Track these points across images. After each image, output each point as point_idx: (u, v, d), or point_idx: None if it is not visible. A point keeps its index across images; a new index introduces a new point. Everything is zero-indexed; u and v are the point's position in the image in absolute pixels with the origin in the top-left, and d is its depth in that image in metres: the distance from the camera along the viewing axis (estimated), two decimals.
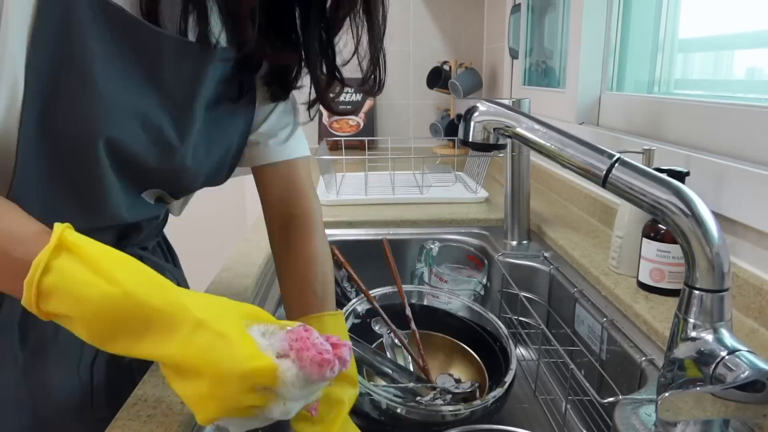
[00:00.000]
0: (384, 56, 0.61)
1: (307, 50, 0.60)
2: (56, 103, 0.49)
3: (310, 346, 0.41)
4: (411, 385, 0.72)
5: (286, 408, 0.42)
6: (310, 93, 0.64)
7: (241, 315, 0.43)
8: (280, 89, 0.67)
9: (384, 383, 0.72)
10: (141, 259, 0.70)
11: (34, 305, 0.41)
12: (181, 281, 0.77)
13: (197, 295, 0.43)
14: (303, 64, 0.63)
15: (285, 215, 0.71)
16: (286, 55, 0.61)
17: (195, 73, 0.57)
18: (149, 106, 0.55)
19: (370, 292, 0.85)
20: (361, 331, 0.79)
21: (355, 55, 0.59)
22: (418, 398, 0.69)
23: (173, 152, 0.60)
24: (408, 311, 0.80)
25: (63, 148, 0.52)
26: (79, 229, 0.55)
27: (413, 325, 0.79)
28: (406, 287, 0.86)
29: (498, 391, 0.64)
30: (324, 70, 0.61)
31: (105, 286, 0.40)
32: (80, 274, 0.41)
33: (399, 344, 0.78)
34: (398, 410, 0.63)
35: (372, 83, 0.62)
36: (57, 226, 0.42)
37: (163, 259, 0.78)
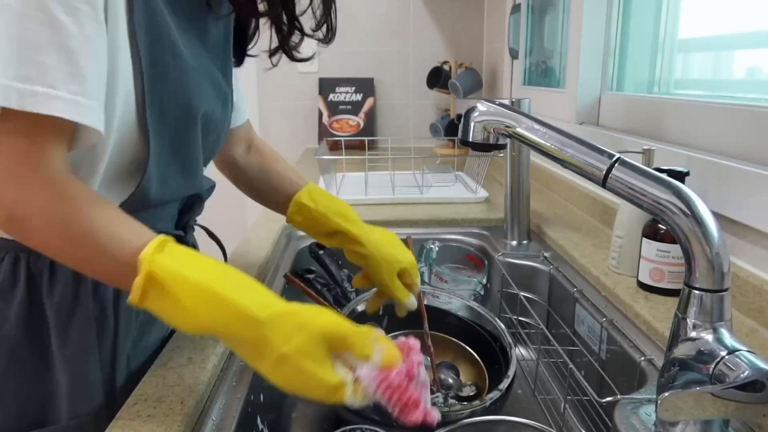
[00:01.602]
0: (335, 4, 0.68)
1: (271, 3, 0.64)
2: (155, 80, 0.54)
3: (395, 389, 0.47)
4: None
5: None
6: (270, 42, 0.69)
7: (325, 341, 0.46)
8: (239, 51, 0.75)
9: None
10: (193, 230, 0.78)
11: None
12: None
13: (284, 317, 0.46)
14: (257, 23, 0.72)
15: (260, 154, 0.85)
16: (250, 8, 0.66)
17: (225, 26, 0.67)
18: (207, 64, 0.63)
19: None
20: None
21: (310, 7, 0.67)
22: None
23: (227, 101, 0.69)
24: (425, 324, 0.78)
25: (168, 122, 0.57)
26: (174, 198, 0.66)
27: (428, 339, 0.77)
28: None
29: (497, 392, 0.64)
30: (285, 20, 0.66)
31: (192, 320, 0.46)
32: (170, 309, 0.46)
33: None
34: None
35: (325, 31, 0.69)
36: (146, 253, 0.46)
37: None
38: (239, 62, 0.75)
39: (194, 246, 0.75)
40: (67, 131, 0.48)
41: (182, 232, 0.71)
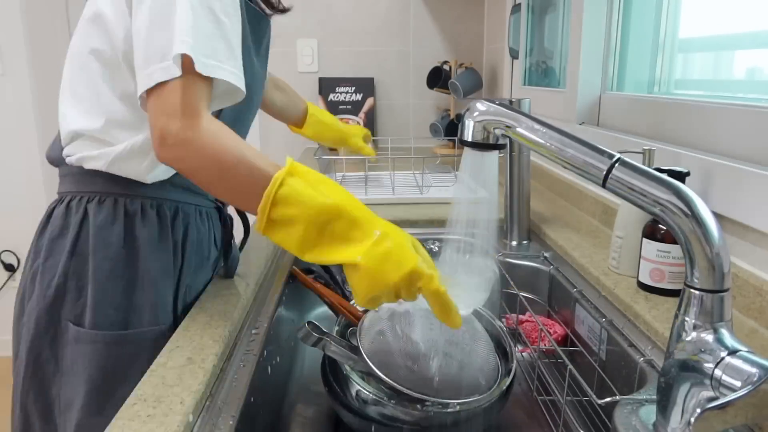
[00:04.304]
0: None
1: None
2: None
3: None
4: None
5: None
6: None
7: (410, 240, 0.58)
8: None
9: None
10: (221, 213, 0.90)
11: (266, 212, 0.56)
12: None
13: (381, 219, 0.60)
14: None
15: (276, 84, 1.20)
16: None
17: (268, 39, 0.83)
18: (260, 67, 0.80)
19: None
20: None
21: None
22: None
23: (264, 90, 0.91)
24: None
25: (234, 106, 0.71)
26: None
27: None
28: None
29: (497, 392, 0.64)
30: None
31: (322, 198, 0.56)
32: (305, 189, 0.57)
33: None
34: (397, 411, 0.63)
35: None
36: (287, 159, 0.59)
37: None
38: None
39: (231, 217, 0.88)
40: (213, 92, 0.64)
41: (221, 203, 0.86)
